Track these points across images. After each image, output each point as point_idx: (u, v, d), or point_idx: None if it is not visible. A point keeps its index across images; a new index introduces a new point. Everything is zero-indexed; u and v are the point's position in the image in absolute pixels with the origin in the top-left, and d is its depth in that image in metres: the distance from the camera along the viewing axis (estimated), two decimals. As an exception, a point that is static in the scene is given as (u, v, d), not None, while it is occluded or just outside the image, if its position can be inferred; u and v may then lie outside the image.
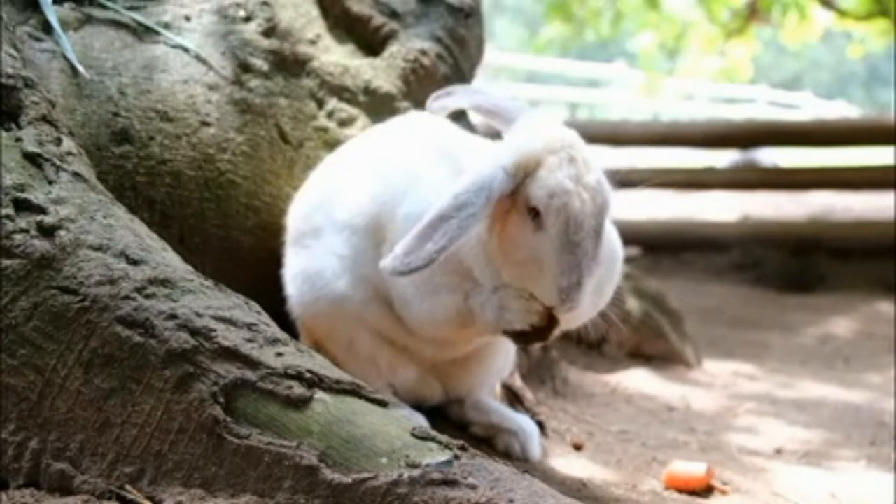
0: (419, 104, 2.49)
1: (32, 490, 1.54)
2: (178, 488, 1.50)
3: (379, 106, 2.61)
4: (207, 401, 1.52)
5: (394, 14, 2.76)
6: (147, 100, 2.29)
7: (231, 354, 1.56)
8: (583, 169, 1.78)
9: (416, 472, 1.43)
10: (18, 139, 1.77)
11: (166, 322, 1.57)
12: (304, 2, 2.71)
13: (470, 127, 2.63)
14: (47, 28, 2.21)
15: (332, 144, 2.52)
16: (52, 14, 2.23)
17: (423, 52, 2.69)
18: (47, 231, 1.64)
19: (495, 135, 1.95)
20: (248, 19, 2.55)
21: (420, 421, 2.01)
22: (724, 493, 2.22)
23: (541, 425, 2.41)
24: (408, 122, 2.29)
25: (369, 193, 2.05)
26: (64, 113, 2.07)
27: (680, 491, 2.21)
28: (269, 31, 2.56)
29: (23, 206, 1.66)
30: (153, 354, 1.55)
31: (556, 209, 1.75)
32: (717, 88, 19.42)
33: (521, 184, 1.78)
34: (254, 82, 2.49)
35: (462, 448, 1.50)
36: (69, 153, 1.80)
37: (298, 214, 2.24)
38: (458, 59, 2.79)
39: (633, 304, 3.44)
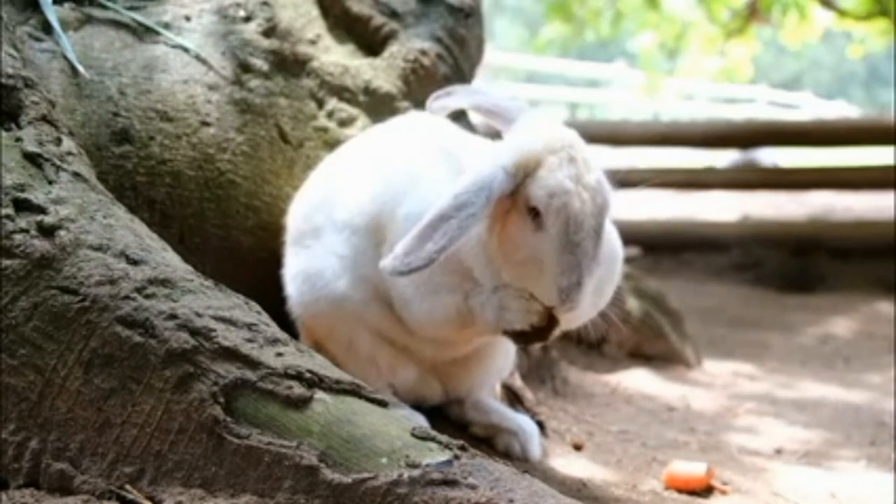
0: (419, 104, 2.49)
1: (32, 490, 1.54)
2: (178, 488, 1.50)
3: (379, 106, 2.61)
4: (207, 401, 1.52)
5: (394, 14, 2.76)
6: (147, 100, 2.29)
7: (231, 354, 1.56)
8: (583, 169, 1.78)
9: (416, 472, 1.43)
10: (18, 139, 1.76)
11: (166, 322, 1.57)
12: (304, 2, 2.71)
13: (470, 127, 2.63)
14: (47, 28, 2.21)
15: (332, 144, 2.52)
16: (52, 14, 2.23)
17: (423, 52, 2.69)
18: (47, 231, 1.64)
19: (495, 135, 1.95)
20: (248, 19, 2.55)
21: (420, 421, 2.01)
22: (724, 493, 2.22)
23: (541, 425, 2.41)
24: (408, 122, 2.29)
25: (369, 193, 2.05)
26: (64, 113, 2.07)
27: (680, 491, 2.21)
28: (269, 31, 2.56)
29: (23, 206, 1.66)
30: (153, 354, 1.55)
31: (556, 209, 1.75)
32: (717, 88, 19.42)
33: (521, 184, 1.78)
34: (254, 82, 2.49)
35: (462, 448, 1.50)
36: (69, 153, 1.80)
37: (298, 214, 2.24)
38: (458, 59, 2.79)
39: (633, 304, 3.43)
